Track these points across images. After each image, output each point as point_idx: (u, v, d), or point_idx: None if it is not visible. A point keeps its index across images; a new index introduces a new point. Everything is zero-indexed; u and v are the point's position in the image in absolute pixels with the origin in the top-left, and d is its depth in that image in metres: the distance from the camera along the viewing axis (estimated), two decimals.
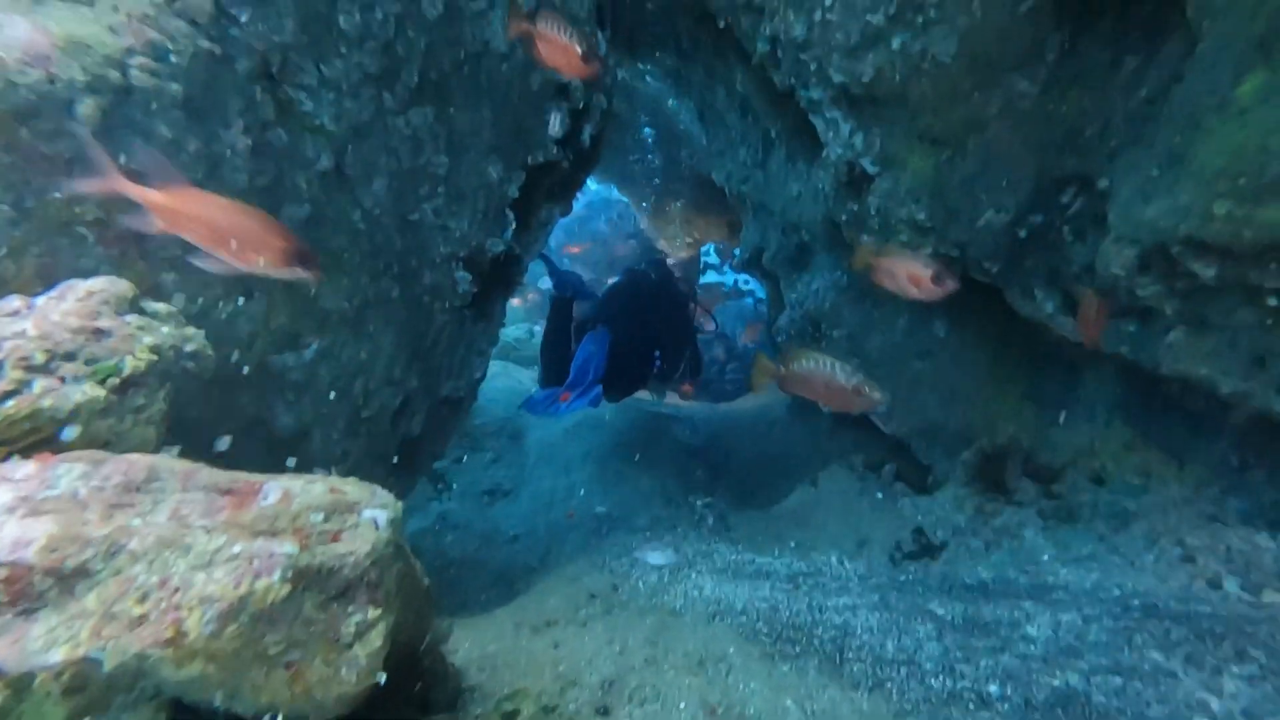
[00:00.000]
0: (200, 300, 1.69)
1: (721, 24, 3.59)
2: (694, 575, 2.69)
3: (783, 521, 3.77)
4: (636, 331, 5.37)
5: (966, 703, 1.46)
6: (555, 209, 3.64)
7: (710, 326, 7.07)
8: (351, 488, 1.12)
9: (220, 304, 1.75)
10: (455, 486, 5.72)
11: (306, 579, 0.97)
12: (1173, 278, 1.87)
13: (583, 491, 4.96)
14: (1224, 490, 2.70)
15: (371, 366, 2.50)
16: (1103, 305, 2.06)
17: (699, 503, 4.67)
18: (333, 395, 2.29)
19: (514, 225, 3.19)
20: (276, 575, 0.93)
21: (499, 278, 3.65)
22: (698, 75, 5.24)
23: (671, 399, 7.43)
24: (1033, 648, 1.74)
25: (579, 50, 2.13)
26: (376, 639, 1.02)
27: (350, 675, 0.98)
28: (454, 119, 2.57)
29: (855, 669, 1.64)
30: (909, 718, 1.39)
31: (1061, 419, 3.66)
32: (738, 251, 9.41)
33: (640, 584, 2.65)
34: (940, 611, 2.07)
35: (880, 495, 3.69)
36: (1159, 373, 2.31)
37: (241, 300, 1.81)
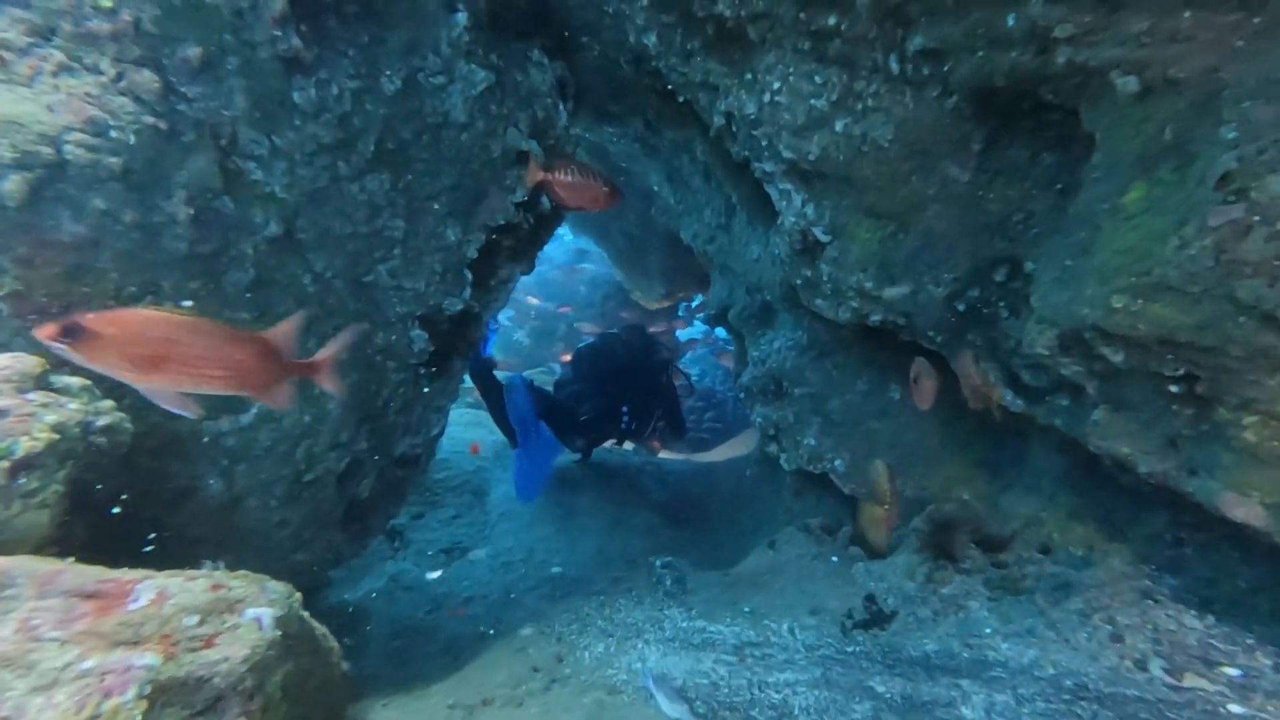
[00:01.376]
0: None
1: (681, 99, 3.77)
2: (640, 645, 2.64)
3: (739, 586, 3.74)
4: (604, 391, 5.61)
5: None
6: (516, 268, 3.71)
7: (680, 381, 7.27)
8: (238, 584, 1.09)
9: None
10: (412, 545, 5.57)
11: (168, 693, 0.93)
12: (1090, 359, 1.97)
13: (532, 553, 4.86)
14: (1160, 566, 2.76)
15: (316, 430, 2.48)
16: (975, 375, 2.10)
17: (658, 564, 4.60)
18: (271, 461, 2.26)
19: (471, 284, 3.23)
20: (131, 693, 0.89)
21: (457, 335, 3.67)
22: (664, 142, 5.46)
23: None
24: None
25: (602, 188, 2.27)
26: None
27: None
28: (412, 185, 2.64)
29: None
30: None
31: (1010, 488, 3.73)
32: (696, 300, 9.55)
33: (586, 655, 2.60)
34: (881, 689, 2.06)
35: (835, 559, 3.69)
36: (1089, 449, 2.39)
37: None
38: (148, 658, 0.92)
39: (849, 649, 2.70)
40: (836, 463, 4.65)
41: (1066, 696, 1.92)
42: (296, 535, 2.68)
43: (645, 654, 2.48)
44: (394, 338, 2.93)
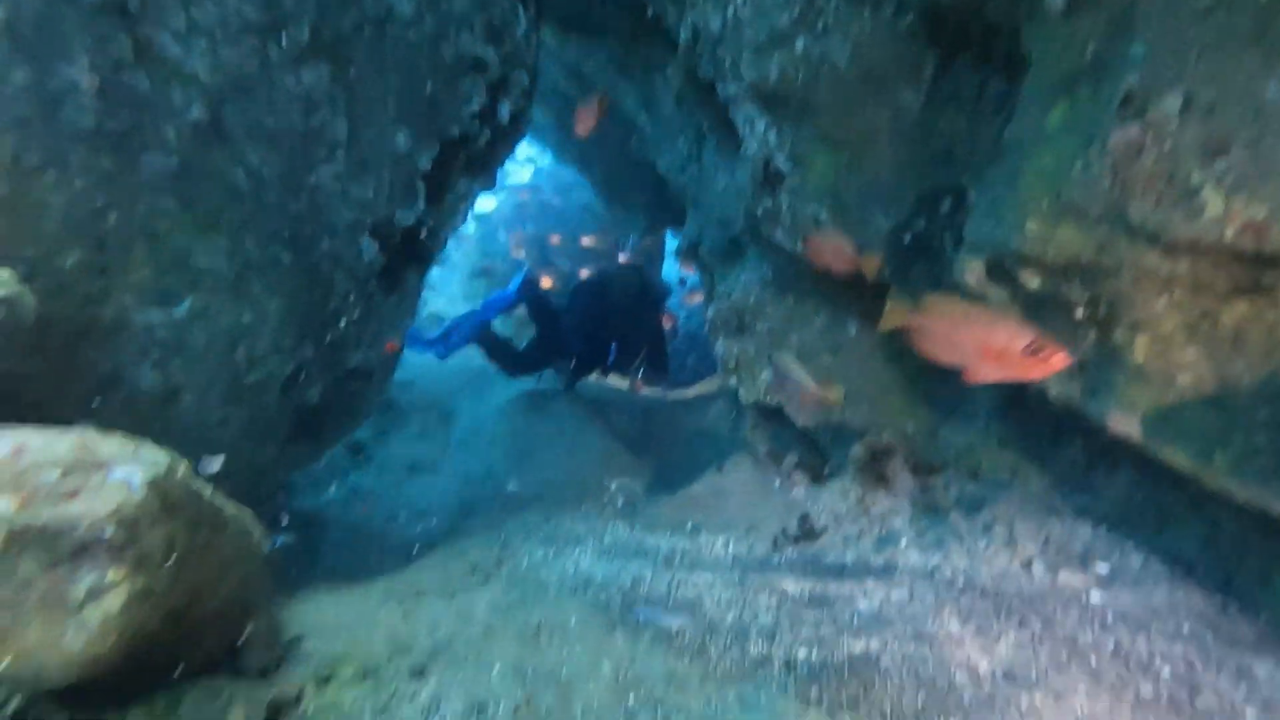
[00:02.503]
0: (35, 248, 1.63)
1: (650, 12, 3.62)
2: (577, 552, 2.76)
3: (685, 506, 3.89)
4: (597, 325, 5.70)
5: (774, 665, 1.57)
6: (474, 183, 3.63)
7: (670, 325, 7.48)
8: (108, 445, 1.11)
9: (63, 253, 1.70)
10: (375, 459, 5.66)
11: (24, 539, 0.97)
12: (1015, 287, 2.02)
13: (492, 471, 4.98)
14: (1072, 487, 2.94)
15: (256, 331, 2.47)
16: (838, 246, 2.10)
17: (612, 485, 4.75)
18: (210, 359, 2.25)
19: (425, 197, 3.16)
20: None
21: (412, 251, 3.62)
22: (638, 63, 5.26)
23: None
24: (855, 619, 1.88)
25: None
26: (113, 603, 1.03)
27: (77, 640, 0.98)
28: (354, 83, 2.53)
29: (688, 638, 1.74)
30: (714, 679, 1.48)
31: (949, 419, 3.88)
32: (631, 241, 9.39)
33: (525, 560, 2.71)
34: (791, 589, 2.19)
35: (778, 484, 3.85)
36: None
37: (90, 253, 1.77)
38: (1, 503, 0.95)
39: (774, 559, 2.85)
40: None
41: (954, 591, 2.07)
42: (241, 436, 2.71)
43: (580, 559, 2.60)
44: (341, 246, 2.88)
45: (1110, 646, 1.67)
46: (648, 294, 6.28)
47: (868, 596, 2.07)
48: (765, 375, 4.80)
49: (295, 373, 2.88)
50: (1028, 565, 2.16)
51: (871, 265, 2.75)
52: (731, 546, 3.05)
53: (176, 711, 1.13)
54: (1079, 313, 1.79)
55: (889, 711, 1.38)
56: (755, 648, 1.67)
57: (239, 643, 1.42)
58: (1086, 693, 1.47)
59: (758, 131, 3.36)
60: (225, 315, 2.29)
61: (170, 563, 1.13)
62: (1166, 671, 1.55)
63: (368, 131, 2.68)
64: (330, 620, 1.92)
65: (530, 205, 11.39)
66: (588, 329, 5.82)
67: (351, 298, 3.20)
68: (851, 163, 2.89)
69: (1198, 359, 1.56)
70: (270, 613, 1.59)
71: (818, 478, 3.96)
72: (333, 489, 5.09)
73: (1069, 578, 2.04)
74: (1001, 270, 1.99)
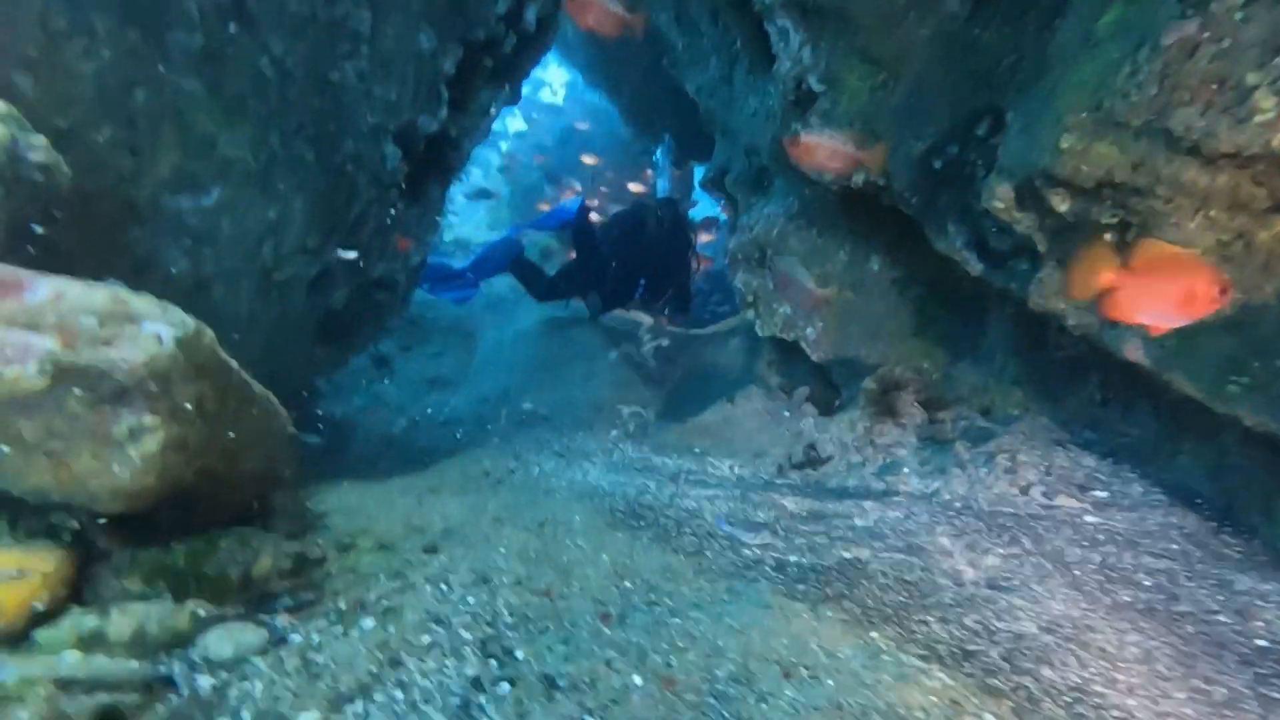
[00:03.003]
0: (67, 118, 1.66)
1: None
2: (587, 465, 2.85)
3: (696, 432, 3.97)
4: (628, 258, 5.87)
5: (765, 566, 1.65)
6: (498, 94, 3.55)
7: (700, 266, 7.53)
8: (139, 301, 1.16)
9: (95, 126, 1.73)
10: (399, 373, 5.83)
11: (70, 376, 1.02)
12: (1042, 213, 1.96)
13: (509, 391, 5.10)
14: (1083, 423, 2.94)
15: (282, 229, 2.51)
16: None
17: (625, 410, 4.85)
18: (238, 252, 2.30)
19: (448, 104, 3.11)
20: (32, 367, 0.98)
21: (435, 161, 3.60)
22: None
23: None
24: (849, 533, 1.95)
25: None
26: (152, 444, 1.09)
27: (123, 472, 1.06)
28: None
29: (686, 541, 1.82)
30: (707, 575, 1.56)
31: (964, 359, 3.87)
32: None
33: (536, 469, 2.81)
34: (790, 506, 2.26)
35: (788, 414, 3.89)
36: (1033, 310, 2.45)
37: (121, 130, 1.79)
38: (47, 341, 1.00)
39: (778, 482, 2.93)
40: (808, 330, 4.74)
41: (950, 513, 2.12)
42: (269, 335, 2.80)
43: (588, 471, 2.69)
44: (365, 149, 2.87)
45: (1096, 560, 1.72)
46: (681, 231, 6.28)
47: (864, 515, 2.13)
48: (783, 310, 4.78)
49: (320, 275, 2.94)
50: (1026, 490, 2.20)
51: (878, 157, 2.66)
52: (737, 469, 3.13)
53: (215, 551, 1.23)
54: (1108, 237, 1.74)
55: (870, 606, 1.45)
56: (749, 551, 1.75)
57: (269, 510, 1.53)
58: (1064, 599, 1.52)
59: (792, 48, 3.21)
60: (253, 209, 2.32)
61: (201, 420, 1.20)
62: (1148, 582, 1.60)
63: (390, 27, 2.62)
64: (352, 504, 2.04)
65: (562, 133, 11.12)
66: (620, 261, 5.86)
67: (375, 205, 3.22)
68: (887, 82, 2.77)
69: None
70: (296, 489, 1.69)
71: (828, 410, 4.00)
72: (358, 398, 5.28)
73: (1066, 502, 2.08)
74: (1032, 194, 1.93)
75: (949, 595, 1.55)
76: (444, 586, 1.34)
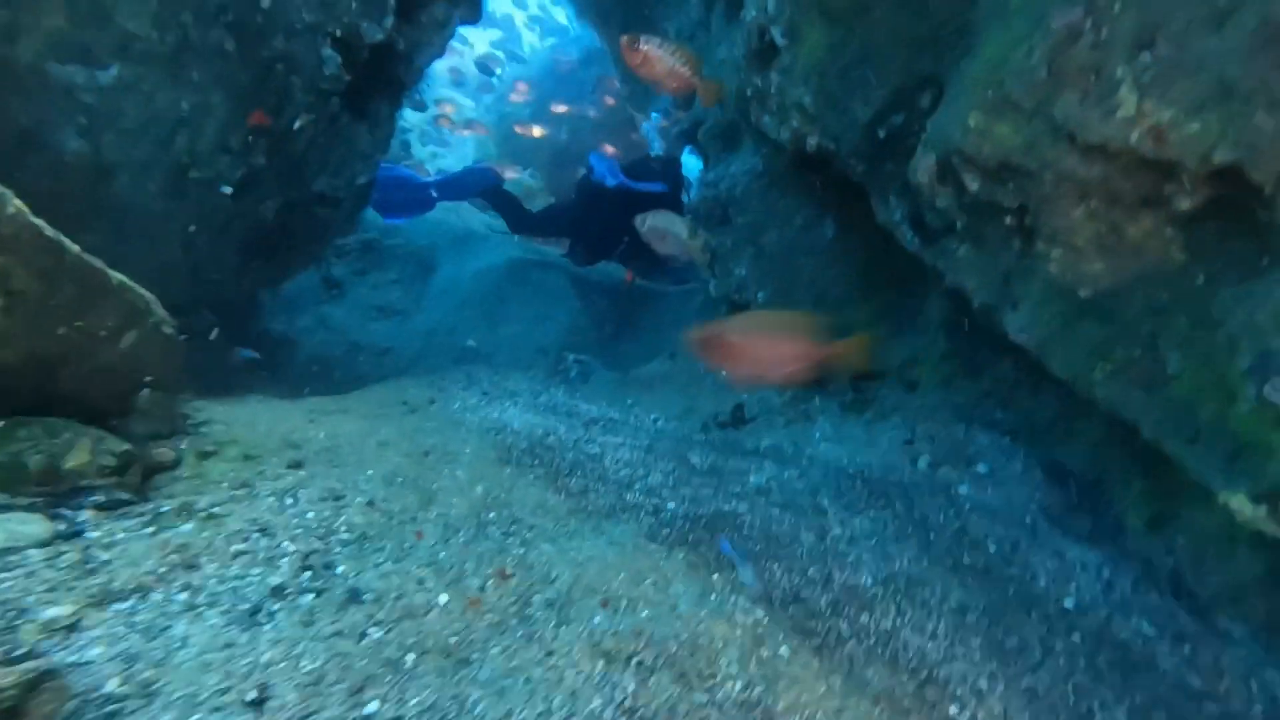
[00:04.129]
0: None
1: None
2: (509, 405, 2.86)
3: (631, 384, 4.01)
4: (616, 211, 5.79)
5: (639, 510, 1.70)
6: (454, 9, 3.37)
7: None
8: None
9: None
10: (349, 297, 5.72)
11: None
12: (959, 191, 1.97)
13: (457, 326, 5.06)
14: (997, 400, 3.05)
15: (198, 123, 2.39)
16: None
17: (570, 357, 4.86)
18: (145, 141, 2.19)
19: (394, 13, 2.95)
20: None
21: (382, 75, 3.44)
22: None
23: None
24: (735, 489, 2.00)
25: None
26: None
27: None
28: None
29: (573, 482, 1.85)
30: (580, 515, 1.60)
31: (903, 330, 3.94)
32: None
33: (456, 403, 2.81)
34: (695, 460, 2.31)
35: (724, 374, 3.94)
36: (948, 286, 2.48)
37: None
38: None
39: (695, 437, 2.98)
40: (759, 294, 4.75)
41: (841, 477, 2.19)
42: (188, 235, 2.70)
43: (507, 410, 2.69)
44: (298, 49, 2.72)
45: (954, 527, 1.81)
46: (676, 191, 6.24)
47: (760, 473, 2.19)
48: (740, 271, 4.78)
49: (247, 180, 2.83)
50: (914, 460, 2.28)
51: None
52: (660, 423, 3.17)
53: (10, 438, 1.20)
54: (1008, 220, 1.76)
55: (726, 553, 1.51)
56: (632, 497, 1.79)
57: (128, 410, 1.50)
58: (911, 558, 1.61)
59: None
60: (160, 95, 2.20)
61: (11, 304, 1.16)
62: (993, 548, 1.69)
63: None
64: (241, 416, 2.01)
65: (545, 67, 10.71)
66: (607, 215, 5.85)
67: (313, 114, 3.08)
68: (844, 40, 2.70)
69: (1102, 273, 1.56)
70: (172, 391, 1.66)
71: None
72: (304, 318, 5.18)
73: (947, 473, 2.17)
74: (950, 170, 1.93)
75: (805, 549, 1.62)
76: (289, 500, 1.35)
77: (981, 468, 2.22)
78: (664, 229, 3.43)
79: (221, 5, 2.26)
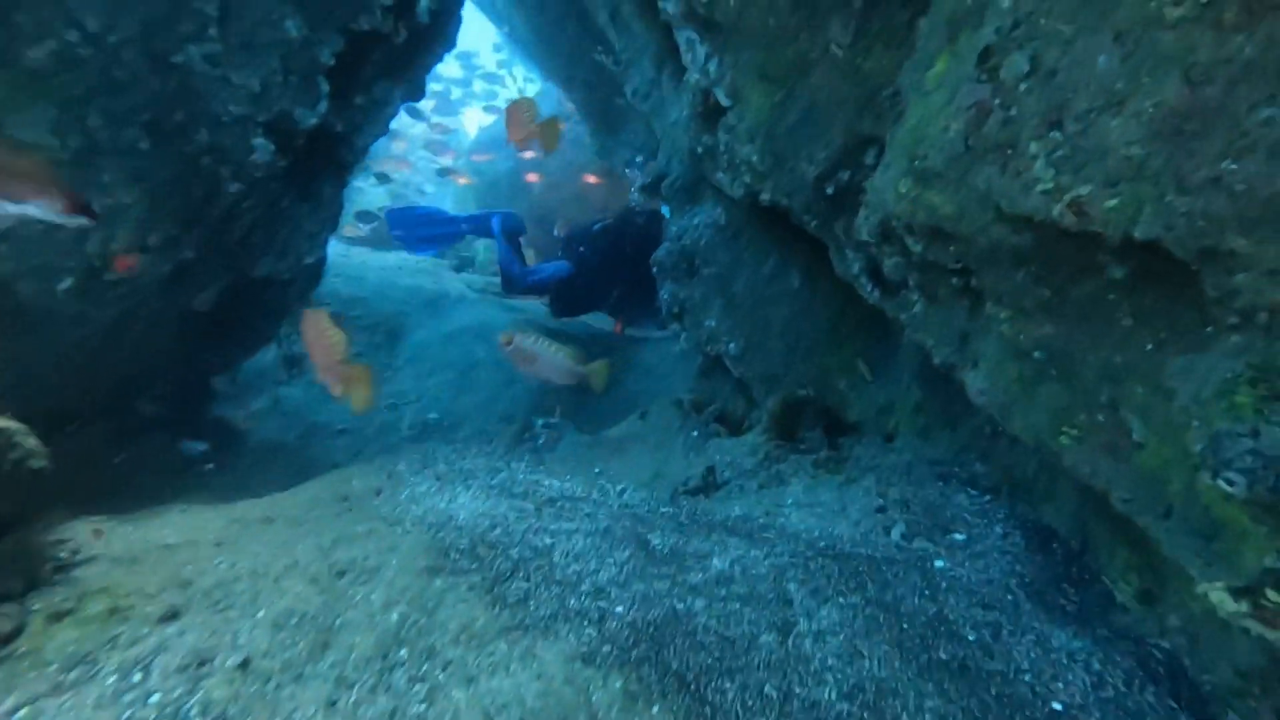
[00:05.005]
0: None
1: None
2: (460, 489, 2.73)
3: (601, 448, 3.90)
4: (605, 266, 6.11)
5: (582, 618, 1.56)
6: (395, 89, 3.39)
7: None
8: None
9: None
10: (308, 373, 5.61)
11: None
12: (905, 250, 1.93)
13: (421, 398, 4.95)
14: (975, 454, 2.96)
15: (111, 224, 2.33)
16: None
17: (539, 422, 4.75)
18: (47, 247, 2.12)
19: (328, 96, 2.95)
20: None
21: (324, 156, 3.43)
22: None
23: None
24: (696, 577, 1.88)
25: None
26: None
27: None
28: None
29: (513, 588, 1.71)
30: (513, 633, 1.47)
31: (878, 379, 3.89)
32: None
33: (405, 493, 2.68)
34: (655, 542, 2.19)
35: (696, 434, 3.84)
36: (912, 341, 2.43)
37: None
38: None
39: (662, 509, 2.86)
40: (730, 345, 4.72)
41: (810, 553, 2.08)
42: (106, 337, 2.61)
43: (457, 497, 2.57)
44: (226, 140, 2.70)
45: (930, 613, 1.69)
46: (655, 241, 6.51)
47: (725, 554, 2.07)
48: (709, 322, 4.75)
49: (174, 276, 2.76)
50: (889, 530, 2.17)
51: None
52: (627, 495, 3.05)
53: None
54: (955, 281, 1.71)
55: (674, 669, 1.38)
56: (576, 601, 1.66)
57: None
58: (882, 656, 1.49)
59: (699, 59, 3.15)
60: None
61: None
62: (971, 636, 1.57)
63: (247, 11, 2.46)
64: (138, 546, 1.87)
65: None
66: (599, 269, 6.13)
67: (248, 201, 3.04)
68: (786, 101, 2.72)
69: (1054, 334, 1.50)
70: (33, 533, 1.53)
71: (737, 429, 3.97)
72: (260, 400, 5.05)
73: (922, 545, 2.06)
74: (893, 232, 1.90)
75: (764, 655, 1.49)
76: (136, 676, 1.19)
77: (959, 535, 2.12)
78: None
79: (134, 106, 2.23)
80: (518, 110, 2.99)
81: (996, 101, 1.22)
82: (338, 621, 1.41)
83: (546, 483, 3.07)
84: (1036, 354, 1.60)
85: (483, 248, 9.92)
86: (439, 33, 3.43)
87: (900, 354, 3.81)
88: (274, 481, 3.50)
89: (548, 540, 2.08)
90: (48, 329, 2.28)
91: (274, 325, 4.18)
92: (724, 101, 3.18)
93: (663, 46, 4.52)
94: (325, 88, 2.94)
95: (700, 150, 3.54)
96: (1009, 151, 1.21)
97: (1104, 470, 1.51)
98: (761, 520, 2.61)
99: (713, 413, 4.01)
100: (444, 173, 9.68)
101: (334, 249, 9.92)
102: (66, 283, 2.25)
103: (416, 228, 6.30)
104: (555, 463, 3.64)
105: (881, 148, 2.47)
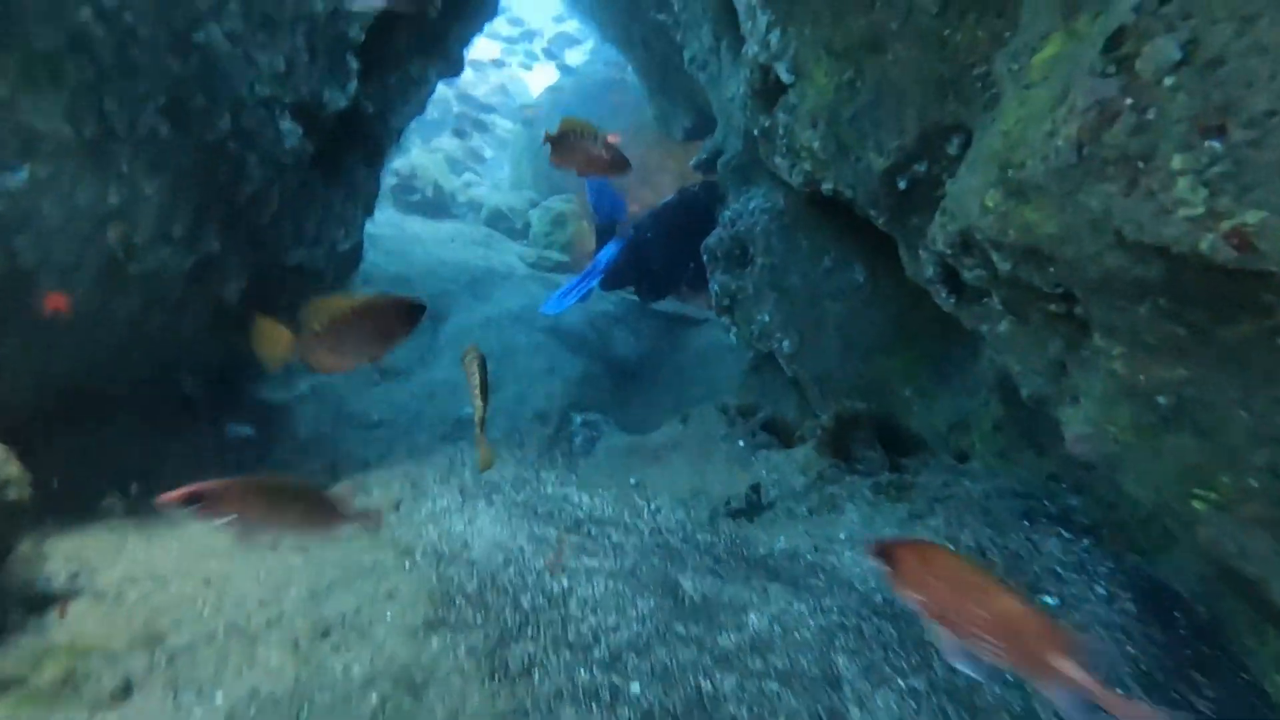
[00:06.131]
0: None
1: None
2: (482, 505, 2.63)
3: (638, 454, 3.75)
4: (676, 243, 6.05)
5: (593, 701, 1.42)
6: (429, 66, 3.27)
7: None
8: None
9: None
10: None
11: None
12: (989, 265, 1.68)
13: (456, 389, 4.90)
14: (1068, 486, 2.67)
15: (131, 215, 2.30)
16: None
17: (578, 419, 4.64)
18: (66, 239, 2.10)
19: (359, 75, 2.86)
20: None
21: (354, 139, 3.36)
22: None
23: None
24: (729, 640, 1.72)
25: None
26: None
27: None
28: None
29: (517, 653, 1.58)
30: (514, 716, 1.34)
31: (949, 387, 3.60)
32: None
33: (423, 509, 2.60)
34: (686, 586, 2.03)
35: (741, 443, 3.64)
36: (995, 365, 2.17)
37: None
38: None
39: (699, 535, 2.70)
40: (784, 343, 4.49)
41: (865, 610, 1.88)
42: (133, 331, 2.62)
43: (476, 518, 2.48)
44: (252, 124, 2.64)
45: (1014, 710, 1.48)
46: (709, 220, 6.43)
47: (764, 607, 1.89)
48: (761, 316, 4.52)
49: (199, 267, 2.74)
50: None
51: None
52: (660, 516, 2.90)
53: None
54: (1053, 307, 1.46)
55: None
56: (586, 674, 1.52)
57: None
58: None
59: (759, 29, 2.89)
60: (83, 190, 2.10)
61: None
62: None
63: None
64: (136, 571, 1.83)
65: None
66: (669, 250, 6.15)
67: (276, 187, 2.99)
68: (855, 80, 2.45)
69: (1189, 379, 1.25)
70: (6, 573, 1.48)
71: (788, 440, 3.74)
72: (304, 382, 5.12)
73: None
74: (976, 245, 1.65)
75: None
76: None
77: (1050, 598, 1.87)
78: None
79: (151, 89, 2.17)
80: (570, 132, 2.58)
81: (1128, 101, 0.97)
82: (317, 697, 1.31)
83: (575, 499, 2.95)
84: (1161, 399, 1.34)
85: (535, 218, 9.85)
86: (478, 2, 3.28)
87: (977, 361, 3.49)
88: (318, 474, 3.51)
89: (565, 582, 1.95)
90: (72, 320, 2.28)
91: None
92: (785, 79, 2.92)
93: (722, 13, 4.24)
94: (355, 66, 2.84)
95: (757, 132, 3.29)
96: (1140, 165, 0.97)
97: (1259, 551, 1.25)
98: (810, 558, 2.42)
99: (760, 420, 3.80)
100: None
101: (388, 219, 10.08)
102: (88, 275, 2.24)
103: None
104: (589, 470, 3.52)
105: (967, 138, 2.18)
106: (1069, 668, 1.06)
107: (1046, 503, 2.52)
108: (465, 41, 3.53)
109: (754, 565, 2.31)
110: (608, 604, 1.83)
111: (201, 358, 3.38)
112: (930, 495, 2.75)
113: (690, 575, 2.11)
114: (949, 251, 1.81)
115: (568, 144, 2.23)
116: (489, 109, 13.96)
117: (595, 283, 6.29)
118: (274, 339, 1.54)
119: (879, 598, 1.98)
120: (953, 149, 2.22)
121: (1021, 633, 1.08)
